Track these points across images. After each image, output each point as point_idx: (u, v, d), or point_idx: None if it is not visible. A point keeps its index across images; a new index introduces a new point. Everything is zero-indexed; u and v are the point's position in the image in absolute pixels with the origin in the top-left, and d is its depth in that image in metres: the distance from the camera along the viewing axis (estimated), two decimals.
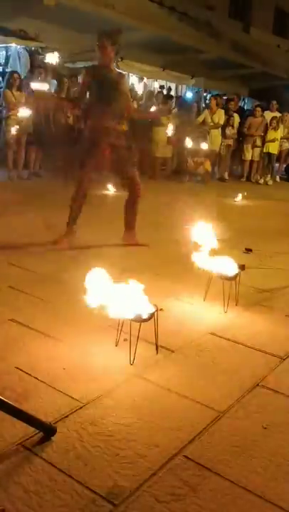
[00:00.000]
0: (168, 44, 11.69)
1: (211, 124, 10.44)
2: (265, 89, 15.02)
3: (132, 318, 2.40)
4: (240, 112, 11.48)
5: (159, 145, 9.95)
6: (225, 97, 13.39)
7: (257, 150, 11.26)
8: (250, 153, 11.23)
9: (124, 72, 4.66)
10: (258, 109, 11.29)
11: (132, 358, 2.38)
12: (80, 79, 11.63)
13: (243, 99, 15.27)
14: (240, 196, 8.32)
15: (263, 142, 11.25)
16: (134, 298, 2.46)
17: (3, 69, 10.13)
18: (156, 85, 13.69)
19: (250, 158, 11.32)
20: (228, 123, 10.83)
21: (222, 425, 1.99)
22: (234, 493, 1.64)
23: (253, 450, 1.85)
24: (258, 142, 11.18)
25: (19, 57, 10.02)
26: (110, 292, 2.45)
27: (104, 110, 4.39)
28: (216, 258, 3.25)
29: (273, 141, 11.22)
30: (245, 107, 14.82)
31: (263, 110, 11.49)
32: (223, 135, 10.83)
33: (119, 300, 2.44)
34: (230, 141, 11.01)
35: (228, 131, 10.81)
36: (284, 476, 1.73)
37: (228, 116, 10.85)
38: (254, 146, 11.15)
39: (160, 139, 9.94)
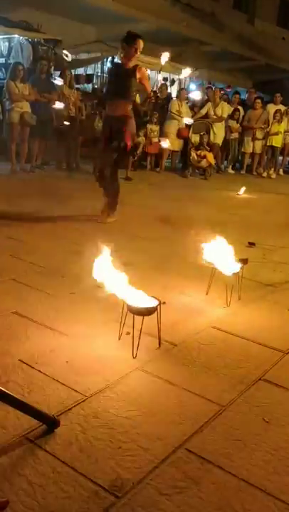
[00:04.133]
0: (171, 35, 11.63)
1: (214, 116, 10.39)
2: (269, 81, 14.93)
3: (135, 311, 2.40)
4: (242, 105, 11.41)
5: (169, 138, 9.95)
6: (229, 90, 13.34)
7: (258, 143, 11.20)
8: (250, 146, 11.18)
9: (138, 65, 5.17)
10: (258, 101, 11.22)
11: (134, 352, 2.39)
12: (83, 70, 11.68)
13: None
14: (243, 190, 8.29)
15: (266, 135, 11.19)
16: (136, 291, 2.47)
17: (5, 60, 10.09)
18: (159, 77, 13.61)
19: (250, 150, 11.26)
20: (232, 117, 10.79)
21: (224, 419, 2.00)
22: (236, 486, 1.65)
23: (255, 444, 1.86)
24: (259, 135, 11.11)
25: (21, 49, 9.97)
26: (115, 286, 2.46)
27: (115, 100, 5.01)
28: (219, 251, 3.25)
29: (277, 134, 11.17)
30: None
31: (264, 102, 11.42)
32: (230, 129, 10.79)
33: (123, 294, 2.45)
34: (237, 135, 10.98)
35: (234, 124, 10.77)
36: (286, 470, 1.74)
37: (234, 110, 10.80)
38: (254, 138, 11.09)
39: (171, 132, 9.94)
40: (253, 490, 1.63)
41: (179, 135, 9.98)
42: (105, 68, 11.81)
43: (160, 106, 10.45)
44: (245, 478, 1.68)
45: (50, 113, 8.50)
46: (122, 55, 5.07)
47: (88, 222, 5.06)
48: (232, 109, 10.87)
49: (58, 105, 7.55)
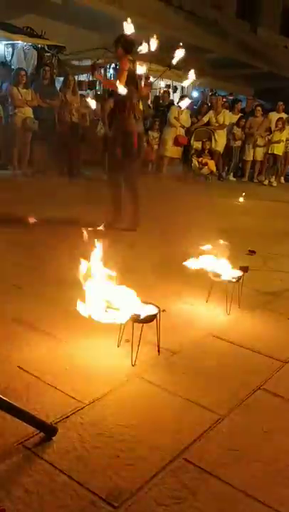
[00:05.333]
0: (174, 43, 11.67)
1: (216, 124, 10.43)
2: (271, 89, 14.99)
3: (135, 319, 2.40)
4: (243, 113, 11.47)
5: (168, 144, 9.97)
6: (231, 97, 13.39)
7: (259, 150, 11.22)
8: (251, 154, 11.20)
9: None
10: (258, 108, 11.26)
11: (133, 359, 2.38)
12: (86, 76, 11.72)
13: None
14: (243, 197, 8.30)
15: (267, 143, 11.22)
16: (135, 299, 2.46)
17: (9, 66, 10.13)
18: (162, 84, 13.69)
19: (251, 158, 11.28)
20: (238, 125, 10.82)
21: (223, 428, 1.99)
22: (234, 497, 1.64)
23: (253, 454, 1.85)
24: (260, 142, 11.13)
25: (25, 55, 10.01)
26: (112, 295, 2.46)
27: None
28: (218, 261, 3.24)
29: (278, 142, 11.20)
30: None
31: (265, 110, 11.46)
32: (233, 136, 10.81)
33: (122, 301, 2.44)
34: (240, 143, 11.01)
35: (239, 132, 10.81)
36: (284, 481, 1.73)
37: (239, 118, 10.85)
38: (255, 145, 11.11)
39: (169, 139, 9.97)
40: (251, 501, 1.62)
41: (175, 142, 9.98)
42: (108, 75, 11.85)
43: (161, 112, 10.48)
44: (243, 489, 1.67)
45: (52, 118, 8.54)
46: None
47: (89, 228, 5.05)
48: (236, 116, 10.91)
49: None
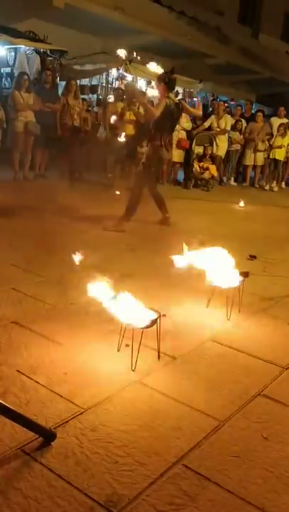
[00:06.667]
0: (176, 48, 11.72)
1: (217, 129, 10.44)
2: (273, 95, 15.02)
3: (135, 323, 2.39)
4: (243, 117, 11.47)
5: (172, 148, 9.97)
6: (233, 103, 13.43)
7: (260, 155, 11.21)
8: (251, 158, 11.19)
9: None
10: (259, 114, 11.26)
11: (133, 364, 2.37)
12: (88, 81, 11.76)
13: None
14: (243, 202, 8.30)
15: (269, 147, 11.24)
16: (136, 304, 2.46)
17: (11, 70, 10.17)
18: None
19: (251, 163, 11.28)
20: (235, 128, 10.84)
21: (222, 434, 1.98)
22: (233, 503, 1.63)
23: (253, 460, 1.84)
24: (260, 147, 11.13)
25: (27, 59, 10.04)
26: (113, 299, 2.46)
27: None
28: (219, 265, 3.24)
29: (280, 147, 11.20)
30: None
31: (266, 116, 11.46)
32: (231, 140, 10.83)
33: (122, 306, 2.44)
34: (238, 147, 11.01)
35: (236, 136, 10.82)
36: (284, 488, 1.72)
37: (236, 121, 10.86)
38: (256, 150, 11.10)
39: (173, 142, 9.98)
40: (250, 508, 1.61)
41: (178, 146, 9.99)
42: (110, 79, 11.89)
43: None
44: (243, 496, 1.66)
45: (54, 122, 8.56)
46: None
47: (89, 232, 5.06)
48: (234, 120, 10.93)
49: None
